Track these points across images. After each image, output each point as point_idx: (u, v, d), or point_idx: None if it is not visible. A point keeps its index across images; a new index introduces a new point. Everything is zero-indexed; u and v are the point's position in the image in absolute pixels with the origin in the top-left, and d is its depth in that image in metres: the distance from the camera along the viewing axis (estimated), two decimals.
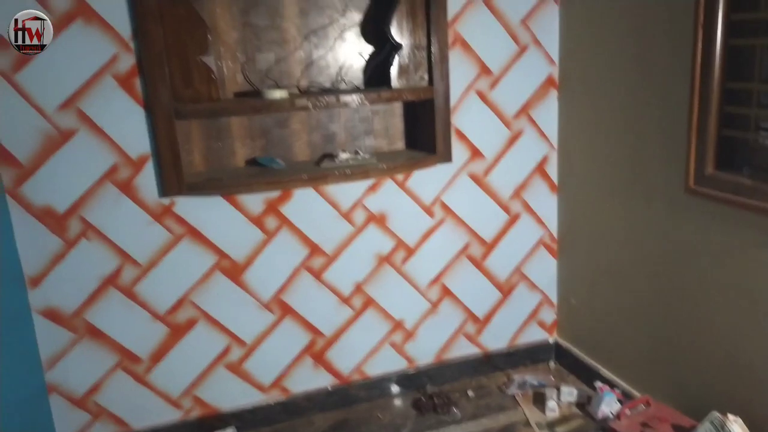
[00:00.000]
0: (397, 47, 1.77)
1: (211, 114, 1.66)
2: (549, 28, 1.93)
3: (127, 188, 1.64)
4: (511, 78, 1.93)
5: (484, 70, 1.90)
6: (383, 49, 1.81)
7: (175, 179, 1.62)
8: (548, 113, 2.00)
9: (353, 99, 1.67)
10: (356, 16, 1.81)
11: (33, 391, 1.64)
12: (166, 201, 1.68)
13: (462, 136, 1.93)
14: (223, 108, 1.62)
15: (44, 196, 1.57)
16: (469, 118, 1.92)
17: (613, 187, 1.81)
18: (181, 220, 1.71)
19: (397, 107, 1.93)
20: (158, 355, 1.77)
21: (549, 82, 1.98)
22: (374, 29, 1.82)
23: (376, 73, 1.84)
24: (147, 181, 1.65)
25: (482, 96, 1.92)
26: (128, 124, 1.59)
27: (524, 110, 1.98)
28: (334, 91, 1.78)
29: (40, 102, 1.51)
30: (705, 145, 1.45)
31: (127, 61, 1.56)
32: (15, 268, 1.57)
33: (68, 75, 1.52)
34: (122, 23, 1.53)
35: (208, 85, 1.61)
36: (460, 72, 1.87)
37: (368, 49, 1.85)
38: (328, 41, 1.80)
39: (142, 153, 1.63)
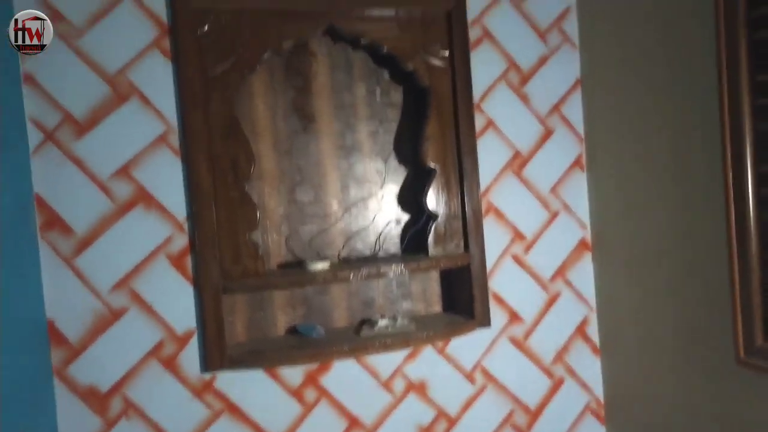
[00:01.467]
0: (434, 217, 1.84)
1: (258, 288, 1.71)
2: (578, 194, 2.01)
3: (171, 364, 1.64)
4: (545, 242, 1.98)
5: (518, 235, 1.96)
6: (420, 218, 1.88)
7: (218, 354, 1.62)
8: (584, 275, 2.02)
9: (393, 269, 1.71)
10: (394, 188, 1.91)
11: None
12: (207, 376, 1.67)
13: (500, 300, 1.94)
14: (268, 283, 1.67)
15: (90, 375, 1.58)
16: (506, 282, 1.94)
17: (658, 353, 1.77)
18: (220, 396, 1.68)
19: (434, 271, 1.97)
20: None
21: (582, 245, 2.02)
22: (411, 199, 1.92)
23: (413, 241, 1.90)
24: (190, 356, 1.65)
25: (518, 260, 1.96)
26: (177, 301, 1.64)
27: (560, 273, 2.00)
28: (373, 260, 1.83)
29: (95, 284, 1.58)
30: (751, 317, 1.43)
31: (181, 241, 1.64)
32: None
33: (124, 257, 1.60)
34: (179, 207, 1.63)
35: (255, 261, 1.67)
36: (494, 238, 1.92)
37: (405, 217, 1.93)
38: (368, 212, 1.89)
39: (188, 329, 1.65)
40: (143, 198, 1.61)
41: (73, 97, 1.55)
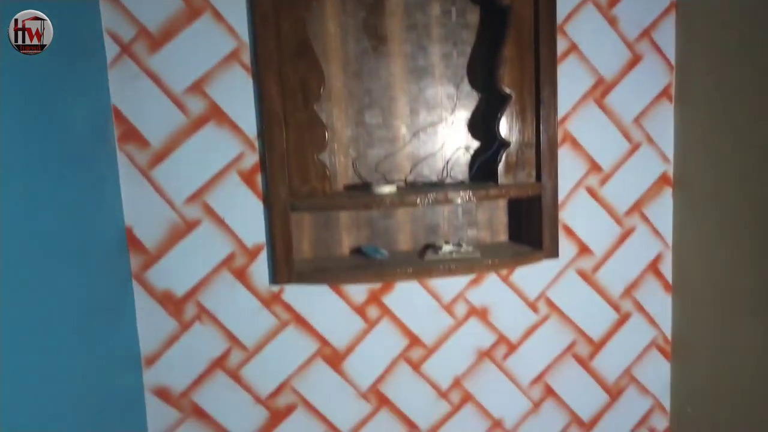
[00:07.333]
0: (505, 144, 1.78)
1: (325, 208, 1.73)
2: (663, 126, 1.89)
3: (241, 275, 1.71)
4: (623, 175, 1.89)
5: (594, 167, 1.87)
6: (491, 145, 1.82)
7: (285, 269, 1.68)
8: (662, 211, 1.93)
9: (460, 196, 1.68)
10: (465, 114, 1.85)
11: None
12: (275, 288, 1.74)
13: (570, 232, 1.88)
14: (335, 203, 1.68)
15: (166, 281, 1.68)
16: (578, 214, 1.88)
17: (735, 294, 1.68)
18: (288, 307, 1.76)
19: (501, 200, 1.93)
20: None
21: (663, 179, 1.91)
22: (482, 126, 1.86)
23: (482, 168, 1.85)
24: (259, 269, 1.72)
25: (592, 192, 1.88)
26: (247, 216, 1.69)
27: (637, 207, 1.91)
28: (441, 186, 1.81)
29: (170, 195, 1.65)
30: None
31: (251, 159, 1.67)
32: (134, 348, 1.67)
33: (198, 171, 1.65)
34: (249, 125, 1.65)
35: (322, 181, 1.68)
36: (569, 169, 1.85)
37: (475, 144, 1.87)
38: (437, 138, 1.85)
39: (257, 243, 1.71)
40: (215, 114, 1.64)
41: (148, 10, 1.56)
